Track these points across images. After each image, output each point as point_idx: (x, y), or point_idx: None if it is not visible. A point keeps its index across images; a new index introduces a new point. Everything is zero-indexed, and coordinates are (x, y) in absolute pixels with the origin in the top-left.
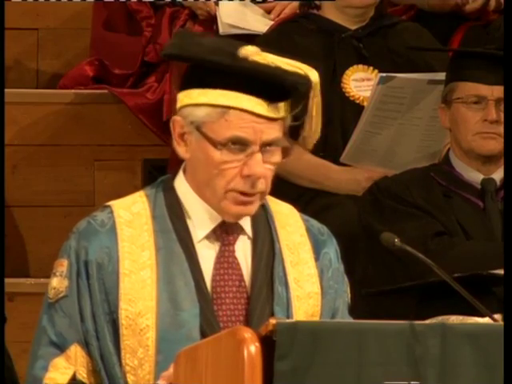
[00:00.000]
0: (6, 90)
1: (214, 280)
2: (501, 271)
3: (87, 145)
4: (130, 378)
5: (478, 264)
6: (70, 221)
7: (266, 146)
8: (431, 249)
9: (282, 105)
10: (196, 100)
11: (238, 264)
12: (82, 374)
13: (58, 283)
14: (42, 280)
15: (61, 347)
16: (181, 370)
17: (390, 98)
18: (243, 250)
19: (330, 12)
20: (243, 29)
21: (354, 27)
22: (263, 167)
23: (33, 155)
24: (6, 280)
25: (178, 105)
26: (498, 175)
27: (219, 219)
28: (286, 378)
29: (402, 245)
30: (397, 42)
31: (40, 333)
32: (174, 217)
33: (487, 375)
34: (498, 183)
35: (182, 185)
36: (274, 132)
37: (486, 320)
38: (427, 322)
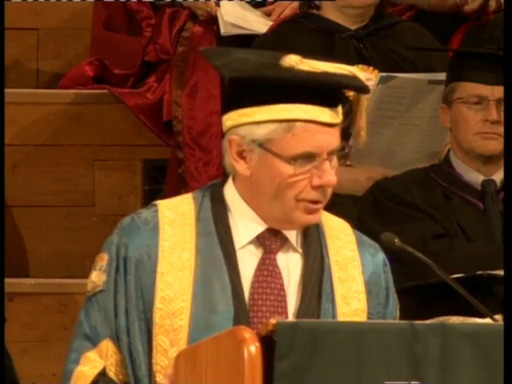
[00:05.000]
0: (6, 90)
1: (252, 287)
2: (500, 272)
3: (87, 145)
4: (159, 377)
5: (478, 266)
6: (70, 221)
7: (331, 154)
8: (431, 251)
9: (339, 109)
10: (256, 118)
11: (278, 273)
12: (113, 370)
13: (96, 277)
14: (42, 280)
15: (94, 341)
16: (181, 370)
17: (390, 97)
18: (286, 260)
19: (329, 12)
20: (245, 29)
21: (353, 27)
22: (333, 175)
23: (33, 155)
24: (6, 280)
25: (230, 124)
26: (499, 176)
27: (263, 227)
28: (286, 378)
29: (402, 245)
30: (397, 42)
31: (77, 326)
32: (218, 221)
33: (487, 375)
34: (499, 184)
35: (230, 191)
36: (337, 139)
37: (487, 321)
38: (427, 322)
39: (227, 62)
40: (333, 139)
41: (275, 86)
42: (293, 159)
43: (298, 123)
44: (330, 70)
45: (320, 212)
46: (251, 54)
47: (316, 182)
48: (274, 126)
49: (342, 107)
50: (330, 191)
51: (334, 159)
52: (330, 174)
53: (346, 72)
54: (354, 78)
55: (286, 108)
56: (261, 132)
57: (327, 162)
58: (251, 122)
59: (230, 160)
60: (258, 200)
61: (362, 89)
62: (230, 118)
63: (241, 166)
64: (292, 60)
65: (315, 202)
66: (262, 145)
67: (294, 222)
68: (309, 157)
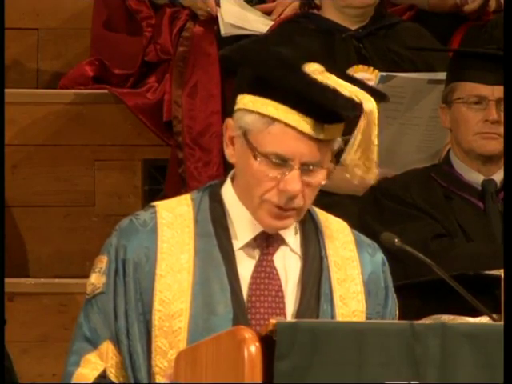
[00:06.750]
0: (6, 90)
1: (250, 288)
2: (498, 272)
3: (87, 145)
4: (159, 379)
5: (478, 265)
6: (70, 221)
7: (306, 165)
8: (431, 250)
9: (329, 127)
10: (247, 106)
11: (276, 274)
12: (113, 372)
13: (95, 279)
14: (42, 280)
15: (94, 343)
16: (181, 370)
17: (389, 97)
18: (283, 260)
19: (330, 12)
20: (245, 29)
21: (354, 27)
22: (298, 185)
23: (33, 155)
24: (6, 280)
25: (235, 107)
26: (499, 176)
27: (261, 228)
28: (286, 378)
29: (401, 245)
30: (397, 42)
31: (76, 329)
32: (216, 222)
33: (487, 375)
34: (499, 184)
35: (228, 191)
36: (316, 153)
37: (478, 320)
38: (427, 322)
39: (243, 48)
40: (310, 152)
41: (268, 80)
42: (263, 156)
43: (276, 123)
44: (340, 90)
45: (289, 219)
46: (282, 47)
47: (281, 186)
48: (256, 118)
49: (350, 130)
50: (299, 203)
51: (316, 174)
52: (294, 182)
53: (355, 98)
54: (352, 104)
55: (271, 104)
56: (246, 120)
57: (296, 171)
58: (244, 108)
59: (224, 144)
60: (243, 195)
61: (347, 118)
62: (236, 102)
63: (229, 151)
64: (312, 67)
65: (280, 208)
66: (245, 134)
67: (260, 222)
68: (280, 159)
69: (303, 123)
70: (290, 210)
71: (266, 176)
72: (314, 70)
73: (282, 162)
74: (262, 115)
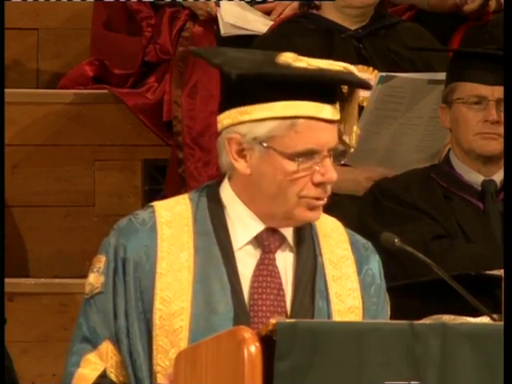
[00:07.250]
0: (6, 90)
1: (252, 287)
2: (498, 272)
3: (87, 145)
4: (160, 378)
5: (478, 267)
6: (70, 221)
7: (332, 150)
8: (431, 251)
9: (337, 106)
10: (257, 116)
11: (277, 272)
12: (114, 372)
13: (94, 279)
14: (42, 280)
15: (93, 343)
16: (181, 370)
17: (389, 97)
18: (284, 259)
19: (329, 12)
20: (245, 29)
21: (353, 27)
22: (334, 172)
23: (33, 155)
24: (6, 280)
25: (229, 122)
26: (499, 176)
27: (262, 227)
28: (286, 378)
29: (401, 245)
30: (397, 43)
31: (76, 329)
32: (215, 220)
33: (487, 375)
34: (499, 185)
35: (226, 191)
36: (336, 135)
37: (479, 320)
38: (427, 321)
39: (227, 61)
40: (333, 136)
41: (277, 83)
42: (296, 156)
43: (300, 120)
44: (326, 67)
45: (321, 209)
46: (244, 53)
47: (318, 178)
48: (276, 124)
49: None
50: (330, 188)
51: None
52: (331, 170)
53: (341, 68)
54: (352, 73)
55: (288, 105)
56: (262, 130)
57: (328, 159)
58: (252, 119)
59: (228, 159)
60: (256, 199)
61: (364, 84)
62: (229, 116)
63: (241, 165)
64: (288, 57)
65: (317, 199)
66: (264, 142)
67: (295, 218)
68: (310, 154)
69: (324, 110)
70: (323, 199)
71: (301, 173)
72: (290, 59)
73: (312, 155)
74: (282, 118)
